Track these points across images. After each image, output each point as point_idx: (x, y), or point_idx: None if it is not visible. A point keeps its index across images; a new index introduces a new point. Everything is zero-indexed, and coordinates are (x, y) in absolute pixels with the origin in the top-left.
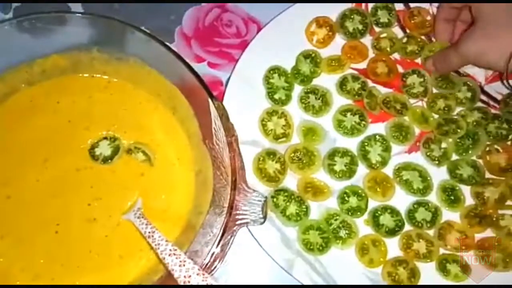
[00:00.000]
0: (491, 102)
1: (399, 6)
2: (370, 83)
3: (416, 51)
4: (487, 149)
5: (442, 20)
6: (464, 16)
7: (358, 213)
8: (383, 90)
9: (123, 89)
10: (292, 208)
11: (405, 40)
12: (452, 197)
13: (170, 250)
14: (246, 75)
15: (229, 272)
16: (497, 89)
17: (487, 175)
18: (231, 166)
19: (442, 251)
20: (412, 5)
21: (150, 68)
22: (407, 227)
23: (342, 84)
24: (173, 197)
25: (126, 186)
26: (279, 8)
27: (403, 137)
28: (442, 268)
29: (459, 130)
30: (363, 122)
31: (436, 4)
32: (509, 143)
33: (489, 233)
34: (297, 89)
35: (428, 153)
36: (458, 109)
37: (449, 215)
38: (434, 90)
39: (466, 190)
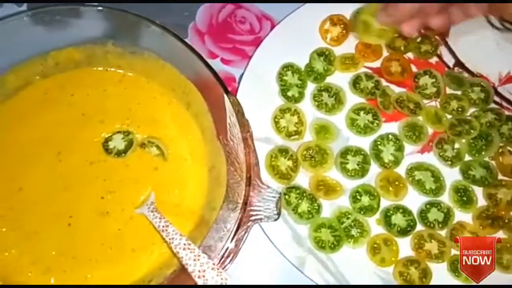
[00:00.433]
0: (505, 104)
1: None
2: (384, 82)
3: (430, 51)
4: (500, 150)
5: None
6: None
7: (370, 212)
8: (396, 89)
9: (137, 83)
10: (304, 206)
11: (419, 39)
12: (465, 198)
13: (184, 244)
14: (259, 72)
15: (240, 268)
16: (511, 91)
17: (500, 176)
18: (246, 162)
19: (454, 252)
20: None
21: (164, 62)
22: (419, 227)
23: (355, 83)
24: (186, 192)
25: (139, 180)
26: (293, 6)
27: (416, 137)
28: (454, 269)
29: (472, 131)
30: (376, 121)
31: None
32: None
33: (501, 234)
34: (310, 87)
35: (441, 154)
36: (472, 110)
37: (461, 216)
38: (448, 91)
39: (478, 191)
